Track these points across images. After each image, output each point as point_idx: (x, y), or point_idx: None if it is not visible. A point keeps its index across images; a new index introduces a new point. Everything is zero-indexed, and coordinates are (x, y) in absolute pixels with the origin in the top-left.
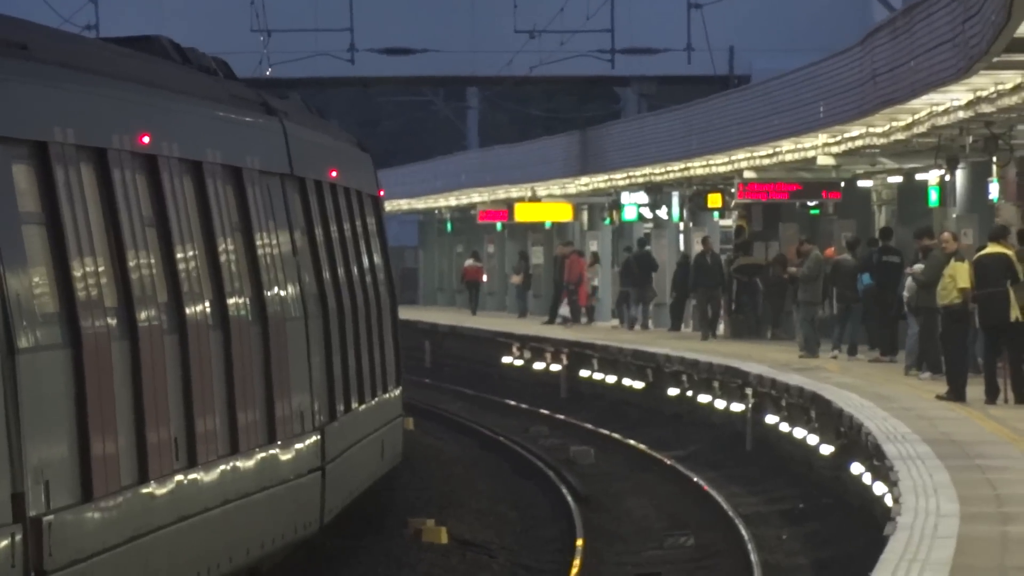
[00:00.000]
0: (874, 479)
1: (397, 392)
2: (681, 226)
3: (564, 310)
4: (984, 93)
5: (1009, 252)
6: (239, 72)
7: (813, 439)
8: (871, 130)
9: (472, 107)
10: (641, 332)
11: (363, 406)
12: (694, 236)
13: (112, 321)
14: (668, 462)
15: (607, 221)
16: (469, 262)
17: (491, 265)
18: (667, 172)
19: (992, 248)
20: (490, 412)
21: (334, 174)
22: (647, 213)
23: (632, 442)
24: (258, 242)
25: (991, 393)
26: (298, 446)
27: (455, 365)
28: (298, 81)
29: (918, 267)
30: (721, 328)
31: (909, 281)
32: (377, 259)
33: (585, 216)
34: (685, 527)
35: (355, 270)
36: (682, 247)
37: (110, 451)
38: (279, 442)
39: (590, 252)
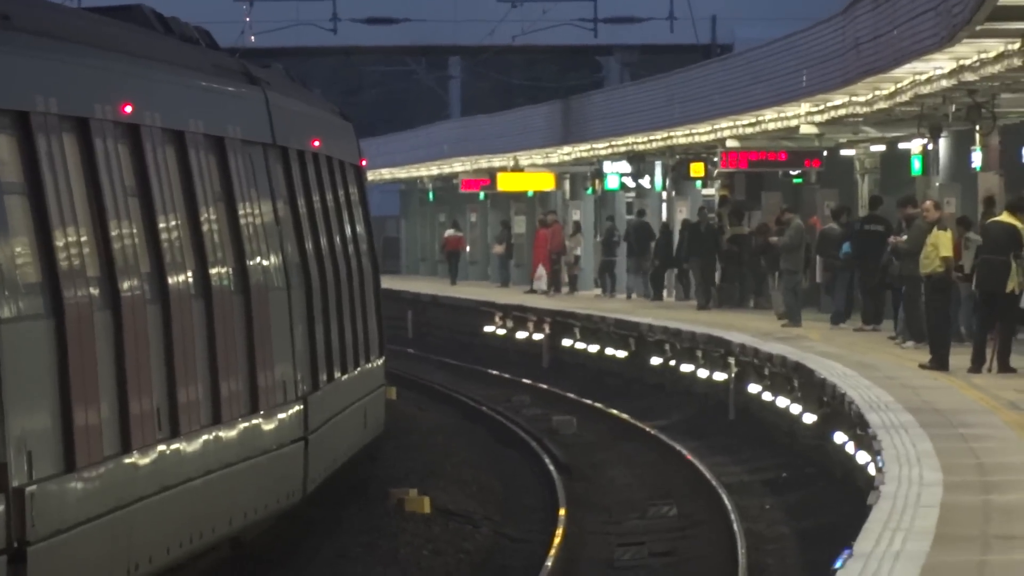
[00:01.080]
0: (857, 448)
1: (380, 362)
2: (664, 195)
3: (541, 282)
4: (967, 62)
5: (1018, 224)
6: (221, 41)
7: (796, 408)
8: (854, 99)
9: (454, 76)
10: (635, 301)
11: (346, 376)
12: (677, 205)
13: (94, 291)
14: (651, 431)
15: (589, 191)
16: (449, 232)
17: (474, 235)
18: (650, 141)
19: (1003, 217)
20: (472, 382)
21: (316, 143)
22: (630, 182)
23: (615, 411)
24: (241, 212)
25: (977, 361)
26: (281, 416)
27: (437, 335)
28: (280, 50)
29: (901, 237)
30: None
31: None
32: (359, 229)
33: (567, 185)
34: (668, 497)
35: (337, 240)
36: (664, 216)
37: (93, 421)
38: (262, 412)
39: (572, 221)
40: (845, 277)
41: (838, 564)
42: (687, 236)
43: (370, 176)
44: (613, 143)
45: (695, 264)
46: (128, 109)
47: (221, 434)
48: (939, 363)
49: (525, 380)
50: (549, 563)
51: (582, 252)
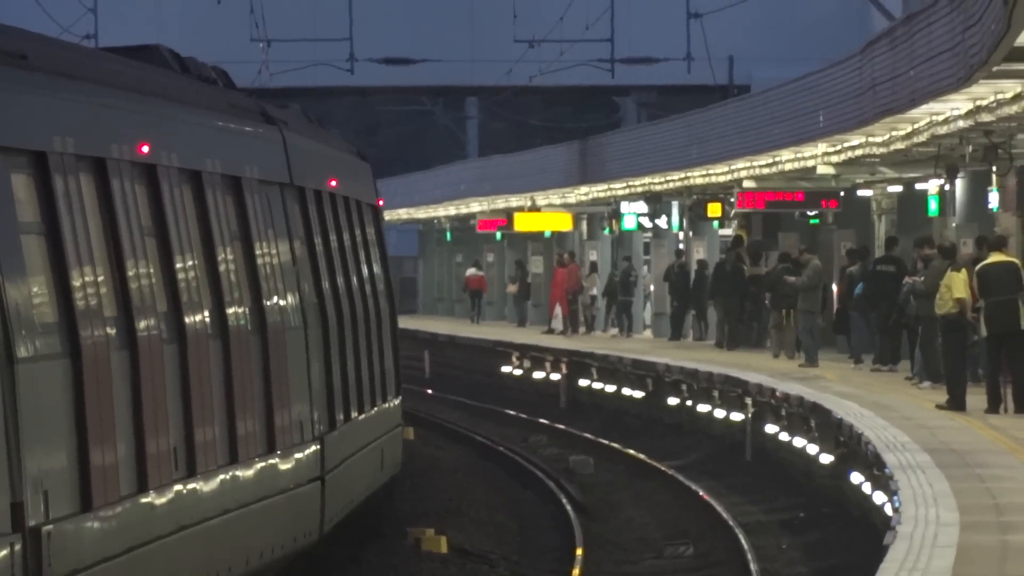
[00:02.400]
0: (874, 488)
1: (396, 402)
2: (681, 235)
3: (556, 321)
4: (984, 102)
5: (1016, 260)
6: (239, 81)
7: (813, 448)
8: (871, 139)
9: (471, 116)
10: (655, 341)
11: (363, 416)
12: (694, 245)
13: (111, 331)
14: (668, 471)
15: (607, 230)
16: (471, 271)
17: (490, 274)
18: (667, 181)
19: (996, 257)
20: (489, 421)
21: (333, 183)
22: (646, 223)
23: (632, 451)
24: (257, 251)
25: (993, 402)
26: (297, 455)
27: (454, 375)
28: (297, 90)
29: (918, 278)
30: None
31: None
32: (376, 268)
33: (584, 226)
34: (685, 536)
35: (354, 279)
36: (682, 257)
37: (109, 461)
38: (278, 451)
39: (588, 261)
40: (858, 318)
41: None
42: (713, 276)
43: (387, 216)
44: (630, 183)
45: (719, 303)
46: (145, 149)
47: (238, 473)
48: (956, 403)
49: (542, 420)
50: None
51: (598, 292)
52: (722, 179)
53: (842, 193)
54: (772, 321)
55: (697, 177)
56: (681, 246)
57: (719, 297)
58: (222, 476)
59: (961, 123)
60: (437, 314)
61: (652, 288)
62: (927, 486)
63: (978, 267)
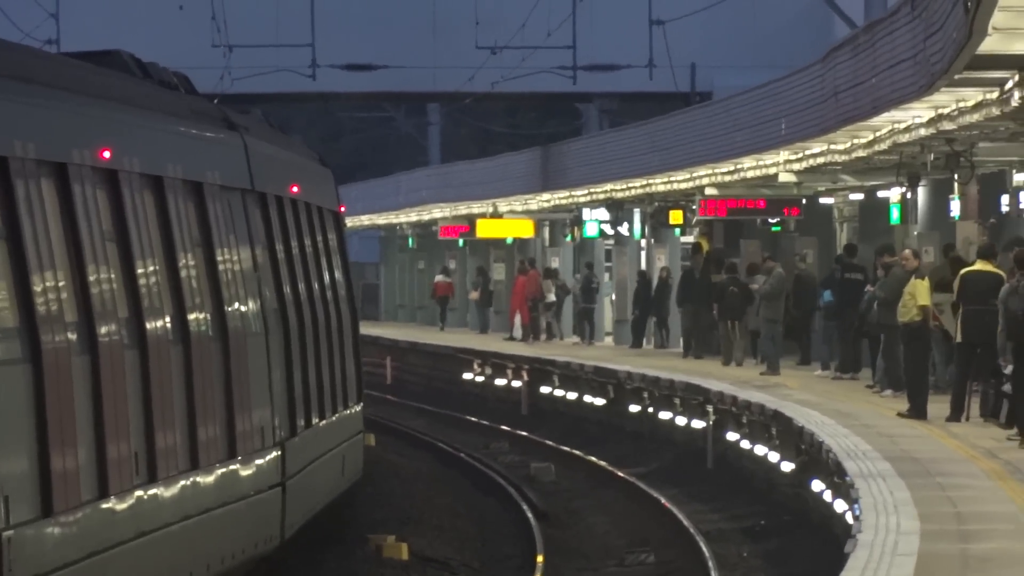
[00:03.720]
0: (835, 496)
1: (358, 408)
2: (643, 243)
3: (517, 329)
4: (945, 110)
5: (1001, 272)
6: (200, 87)
7: (774, 456)
8: (832, 147)
9: (433, 123)
10: (616, 348)
11: (324, 422)
12: (655, 253)
13: (72, 336)
14: (629, 479)
15: (568, 237)
16: (439, 277)
17: (452, 281)
18: (628, 189)
19: (981, 265)
20: (451, 428)
21: (295, 189)
22: (608, 230)
23: (593, 459)
24: (219, 257)
25: (957, 410)
26: (258, 461)
27: (416, 381)
28: (259, 96)
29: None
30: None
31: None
32: (338, 275)
33: (547, 232)
34: (646, 544)
35: (316, 286)
36: (643, 264)
37: (70, 466)
38: (239, 457)
39: (543, 268)
40: (830, 326)
41: None
42: (680, 284)
43: (349, 222)
44: (592, 190)
45: (688, 311)
46: (106, 154)
47: (199, 479)
48: (917, 412)
49: (504, 427)
50: None
51: (556, 298)
52: (684, 186)
53: (804, 201)
54: (720, 331)
55: (659, 184)
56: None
57: (687, 305)
58: (183, 482)
59: (923, 131)
60: (399, 320)
61: (614, 295)
62: (888, 494)
63: (962, 272)
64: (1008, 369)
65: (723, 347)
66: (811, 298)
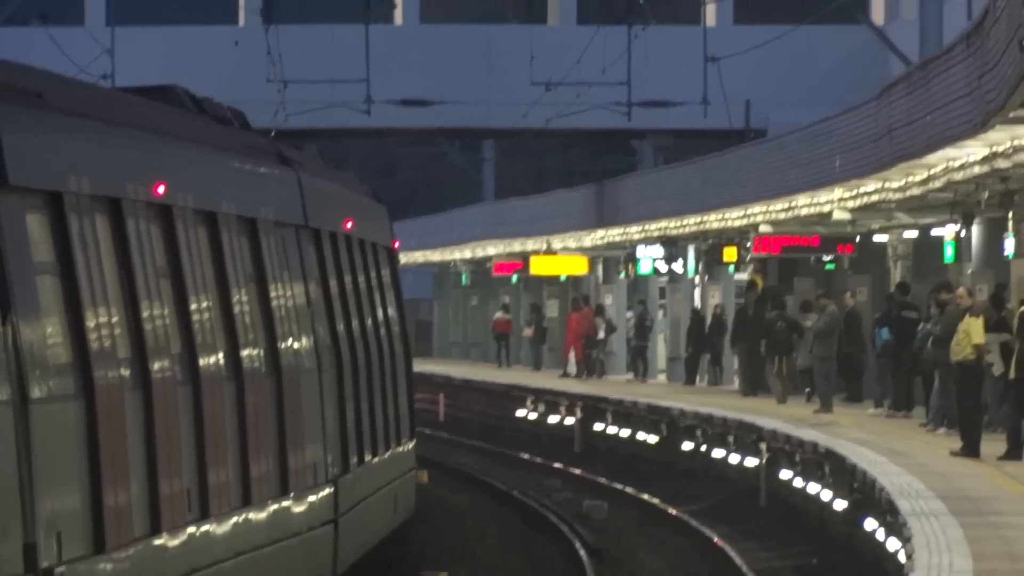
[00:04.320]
0: (887, 535)
1: (411, 445)
2: (696, 280)
3: (571, 365)
4: (1000, 148)
5: None
6: (255, 122)
7: (827, 494)
8: (887, 185)
9: (488, 159)
10: (669, 386)
11: (376, 458)
12: (709, 290)
13: (125, 372)
14: (682, 516)
15: (622, 274)
16: (499, 314)
17: (511, 318)
18: (683, 225)
19: None
20: (503, 465)
21: (349, 225)
22: (662, 267)
23: (646, 496)
24: (272, 293)
25: (1014, 449)
26: (311, 498)
27: (469, 418)
28: (314, 131)
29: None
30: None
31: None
32: (391, 311)
33: (600, 269)
34: None
35: (369, 322)
36: (697, 302)
37: (122, 502)
38: (292, 494)
39: (595, 305)
40: (885, 364)
41: None
42: (735, 321)
43: (403, 258)
44: (646, 227)
45: (741, 349)
46: (161, 189)
47: (251, 516)
48: (970, 450)
49: (556, 464)
50: None
51: (604, 335)
52: (738, 223)
53: (858, 238)
54: (768, 369)
55: (713, 221)
56: (697, 292)
57: (741, 344)
58: (235, 518)
59: (977, 169)
60: (452, 357)
61: (668, 332)
62: (941, 533)
63: (1022, 310)
64: None
65: (772, 384)
66: (860, 335)
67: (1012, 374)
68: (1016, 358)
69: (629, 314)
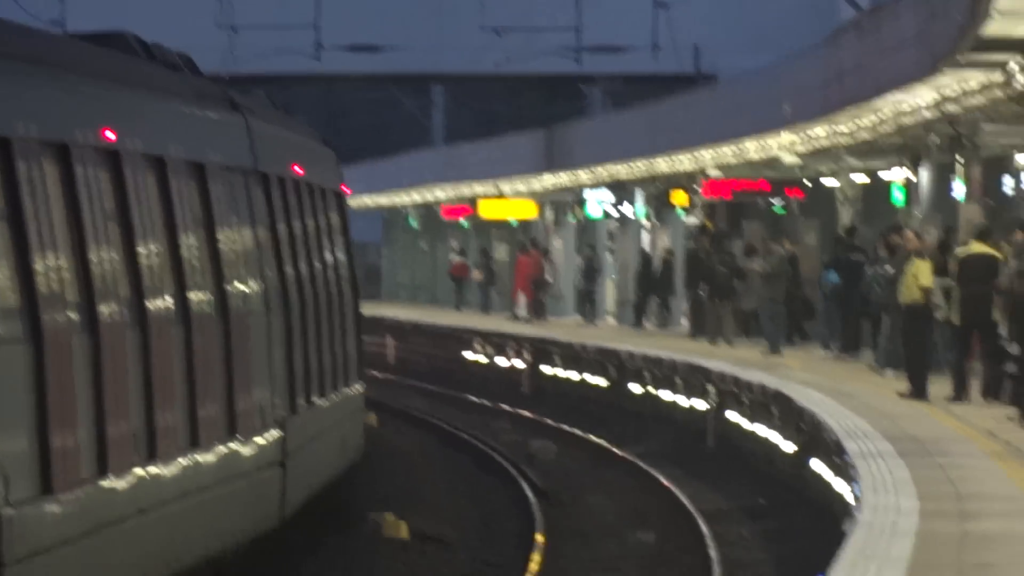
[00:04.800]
0: (835, 476)
1: (359, 387)
2: (645, 224)
3: (520, 308)
4: (949, 93)
5: (997, 252)
6: (204, 68)
7: (775, 436)
8: (836, 129)
9: (437, 104)
10: (618, 328)
11: (325, 401)
12: (658, 234)
13: (73, 316)
14: (630, 458)
15: (571, 218)
16: (456, 258)
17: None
18: (632, 170)
19: (978, 247)
20: (452, 407)
21: (298, 170)
22: (611, 210)
23: (594, 438)
24: (221, 237)
25: (960, 391)
26: (259, 440)
27: (418, 361)
28: (263, 77)
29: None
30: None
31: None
32: (340, 255)
33: (549, 213)
34: (646, 523)
35: (318, 266)
36: (646, 246)
37: (70, 445)
38: (240, 436)
39: (542, 249)
40: (833, 306)
41: None
42: (687, 264)
43: (352, 203)
44: (595, 171)
45: (693, 292)
46: (110, 135)
47: (199, 458)
48: (918, 392)
49: (505, 406)
50: None
51: (553, 278)
52: (687, 168)
53: (807, 182)
54: (708, 311)
55: (662, 166)
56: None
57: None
58: (183, 460)
59: (926, 113)
60: (401, 300)
61: (616, 276)
62: (888, 474)
63: (959, 254)
64: (1014, 349)
65: (709, 327)
66: (799, 278)
67: (954, 319)
68: (959, 303)
69: (579, 260)
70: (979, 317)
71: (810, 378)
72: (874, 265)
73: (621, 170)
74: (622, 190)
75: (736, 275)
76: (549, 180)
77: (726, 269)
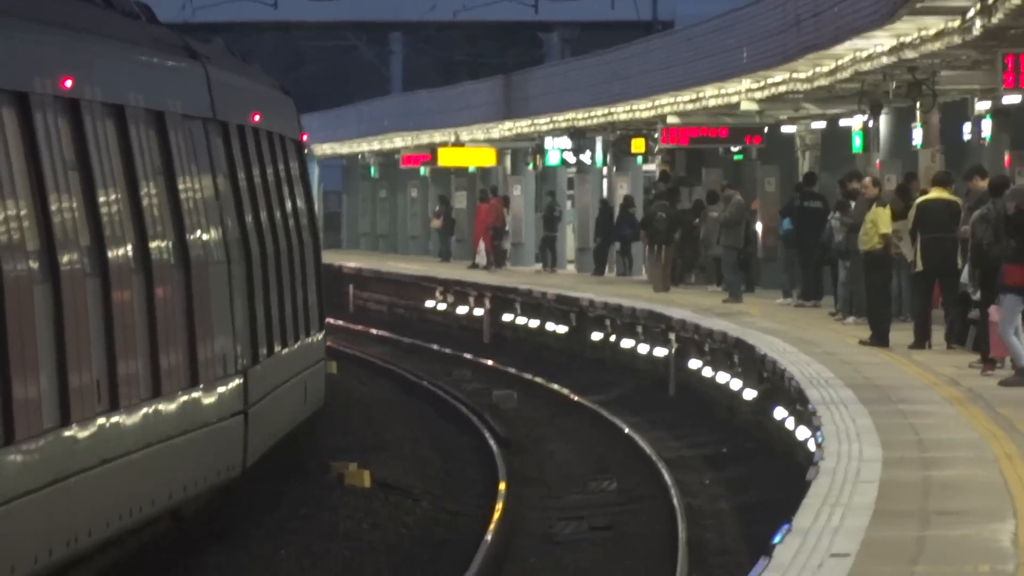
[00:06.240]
0: (797, 424)
1: (320, 336)
2: (604, 171)
3: (480, 256)
4: (907, 39)
5: (956, 199)
6: (162, 16)
7: (736, 384)
8: (794, 76)
9: (395, 52)
10: (577, 275)
11: (286, 350)
12: (617, 181)
13: (33, 264)
14: (591, 406)
15: (530, 166)
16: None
17: (414, 210)
18: (591, 117)
19: (937, 193)
20: (413, 356)
21: (257, 118)
22: (570, 158)
23: (555, 386)
24: (181, 186)
25: (922, 338)
26: (220, 389)
27: (379, 309)
28: (221, 25)
29: (842, 216)
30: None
31: (836, 225)
32: (300, 203)
33: (508, 161)
34: (608, 472)
35: (278, 214)
36: (605, 192)
37: (31, 394)
38: (201, 385)
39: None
40: (790, 254)
41: (776, 539)
42: (645, 215)
43: (318, 152)
44: (554, 119)
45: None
46: (68, 83)
47: (160, 407)
48: (879, 339)
49: (466, 355)
50: (488, 536)
51: (510, 227)
52: (646, 115)
53: (766, 129)
54: (647, 257)
55: (621, 113)
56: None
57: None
58: (145, 410)
59: (885, 59)
60: (361, 249)
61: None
62: (850, 422)
63: (918, 201)
64: (977, 295)
65: (649, 273)
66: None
67: (917, 266)
68: (919, 250)
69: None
70: (941, 264)
71: (771, 326)
72: (838, 211)
73: (580, 117)
74: (581, 137)
75: (676, 223)
76: (508, 127)
77: (665, 216)
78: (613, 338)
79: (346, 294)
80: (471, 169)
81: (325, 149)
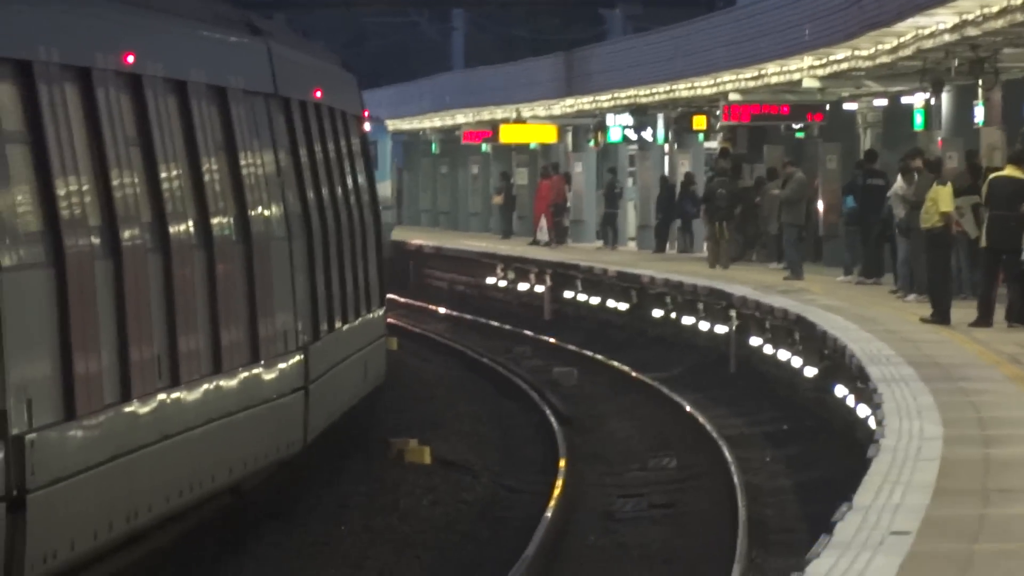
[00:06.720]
0: (858, 401)
1: (380, 312)
2: (666, 148)
3: (541, 233)
4: (970, 16)
5: None
6: None
7: (797, 361)
8: (856, 53)
9: (457, 28)
10: (639, 253)
11: (346, 326)
12: (679, 158)
13: (96, 240)
14: (652, 383)
15: (591, 142)
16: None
17: (475, 187)
18: (652, 94)
19: (1010, 171)
20: (473, 333)
21: (318, 94)
22: (632, 135)
23: (616, 364)
24: (242, 162)
25: (986, 316)
26: (281, 365)
27: (439, 286)
28: (283, 2)
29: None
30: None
31: (898, 195)
32: (361, 179)
33: (570, 138)
34: (668, 449)
35: (339, 190)
36: (666, 170)
37: (93, 370)
38: (262, 361)
39: (563, 174)
40: (852, 232)
41: (837, 517)
42: (706, 191)
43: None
44: (616, 96)
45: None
46: (130, 59)
47: (222, 383)
48: (940, 317)
49: (527, 332)
50: (548, 514)
51: (571, 204)
52: (708, 92)
53: (828, 107)
54: (706, 233)
55: (683, 90)
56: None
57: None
58: (206, 385)
59: (947, 37)
60: (422, 225)
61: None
62: (911, 399)
63: (990, 177)
64: None
65: (709, 250)
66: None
67: (982, 242)
68: (985, 226)
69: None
70: (1005, 241)
71: (832, 303)
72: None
73: (641, 94)
74: (642, 114)
75: (736, 199)
76: (569, 104)
77: (725, 192)
78: (674, 315)
79: (407, 271)
80: (532, 146)
81: (387, 125)
